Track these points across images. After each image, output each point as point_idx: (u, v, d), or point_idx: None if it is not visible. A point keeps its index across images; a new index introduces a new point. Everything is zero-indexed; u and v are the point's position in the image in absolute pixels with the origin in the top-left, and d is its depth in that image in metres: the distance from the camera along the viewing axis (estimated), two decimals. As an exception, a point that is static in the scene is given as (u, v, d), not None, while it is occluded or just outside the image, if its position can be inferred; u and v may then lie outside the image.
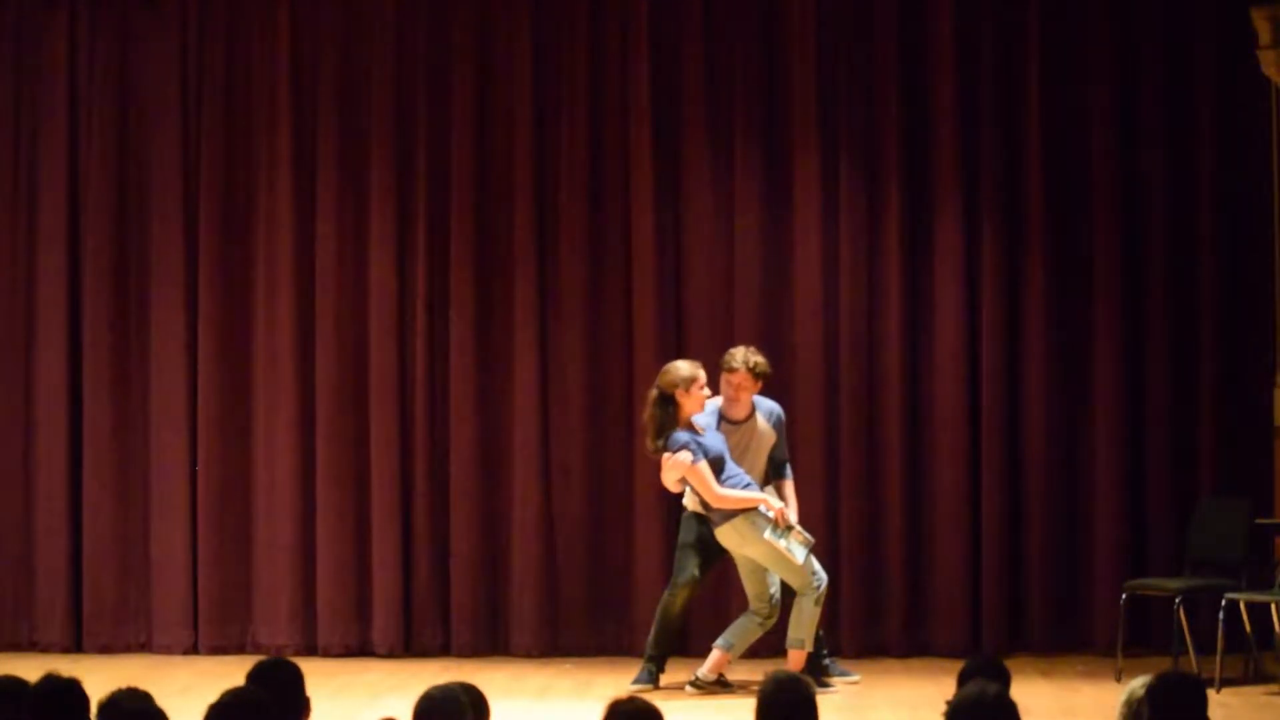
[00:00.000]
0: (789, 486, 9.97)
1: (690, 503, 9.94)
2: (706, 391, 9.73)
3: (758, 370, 9.82)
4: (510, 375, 11.19)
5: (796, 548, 9.56)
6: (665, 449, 9.61)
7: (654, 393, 9.69)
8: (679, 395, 9.63)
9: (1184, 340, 10.95)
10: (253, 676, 5.45)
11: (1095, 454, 10.95)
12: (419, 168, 11.25)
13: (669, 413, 9.62)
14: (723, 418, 9.86)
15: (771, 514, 9.57)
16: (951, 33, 11.02)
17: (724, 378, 9.84)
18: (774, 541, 9.52)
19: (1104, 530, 10.90)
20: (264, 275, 11.31)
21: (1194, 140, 10.96)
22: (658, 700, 5.13)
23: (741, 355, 9.83)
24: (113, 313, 11.37)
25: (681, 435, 9.59)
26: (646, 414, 9.71)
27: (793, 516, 9.70)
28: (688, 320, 11.15)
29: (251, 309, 11.33)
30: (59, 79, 11.41)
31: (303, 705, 5.43)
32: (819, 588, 9.64)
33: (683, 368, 9.71)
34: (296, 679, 5.48)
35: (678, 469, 9.60)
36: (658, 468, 9.79)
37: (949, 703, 4.93)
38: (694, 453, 9.53)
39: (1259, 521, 10.10)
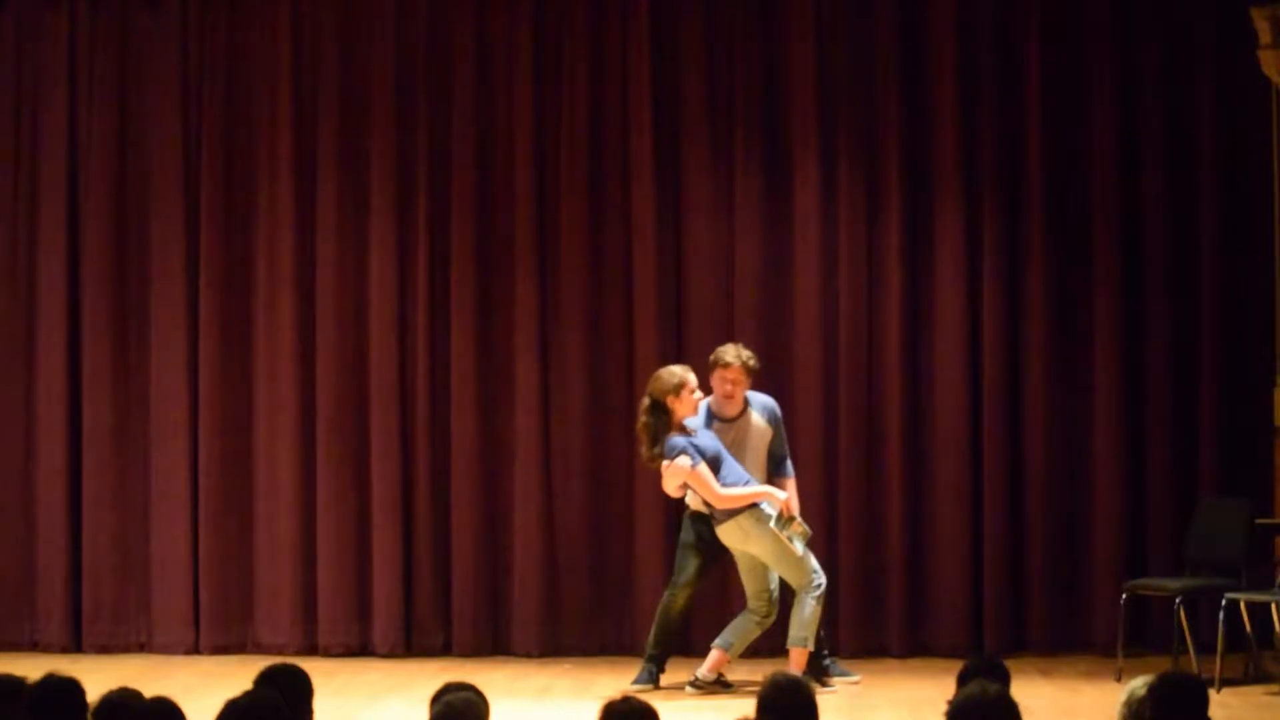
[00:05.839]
0: (791, 484, 9.94)
1: (693, 502, 9.94)
2: (698, 395, 9.73)
3: (750, 364, 9.82)
4: (510, 375, 11.19)
5: (796, 539, 9.57)
6: (662, 456, 9.60)
7: (646, 401, 9.68)
8: (670, 401, 9.61)
9: (1184, 340, 10.95)
10: (263, 679, 5.43)
11: (1095, 454, 10.95)
12: (419, 168, 11.25)
13: (662, 420, 9.60)
14: (714, 416, 9.84)
15: (775, 507, 9.57)
16: (952, 31, 11.03)
17: (718, 374, 9.82)
18: (777, 532, 9.52)
19: (1104, 530, 10.90)
20: (264, 275, 11.31)
21: (1194, 140, 10.95)
22: (657, 700, 5.14)
23: (733, 351, 9.82)
24: (113, 313, 11.37)
25: (677, 441, 9.57)
26: (639, 423, 9.70)
27: (795, 512, 9.70)
28: (688, 320, 11.15)
29: (252, 309, 11.33)
30: (59, 78, 11.41)
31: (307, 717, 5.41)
32: (819, 586, 9.64)
33: (674, 373, 9.69)
34: (305, 687, 5.45)
35: (678, 475, 9.59)
36: (657, 473, 9.78)
37: (949, 702, 4.93)
38: (692, 457, 9.52)
39: (1259, 521, 10.09)
